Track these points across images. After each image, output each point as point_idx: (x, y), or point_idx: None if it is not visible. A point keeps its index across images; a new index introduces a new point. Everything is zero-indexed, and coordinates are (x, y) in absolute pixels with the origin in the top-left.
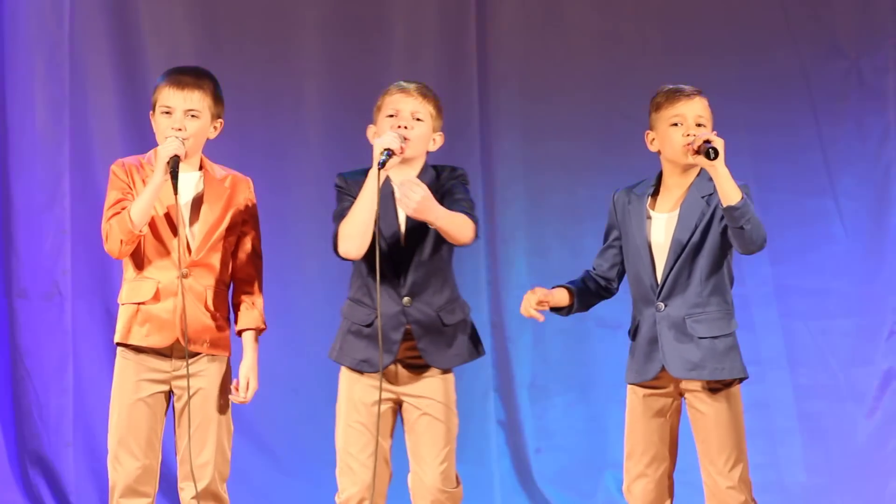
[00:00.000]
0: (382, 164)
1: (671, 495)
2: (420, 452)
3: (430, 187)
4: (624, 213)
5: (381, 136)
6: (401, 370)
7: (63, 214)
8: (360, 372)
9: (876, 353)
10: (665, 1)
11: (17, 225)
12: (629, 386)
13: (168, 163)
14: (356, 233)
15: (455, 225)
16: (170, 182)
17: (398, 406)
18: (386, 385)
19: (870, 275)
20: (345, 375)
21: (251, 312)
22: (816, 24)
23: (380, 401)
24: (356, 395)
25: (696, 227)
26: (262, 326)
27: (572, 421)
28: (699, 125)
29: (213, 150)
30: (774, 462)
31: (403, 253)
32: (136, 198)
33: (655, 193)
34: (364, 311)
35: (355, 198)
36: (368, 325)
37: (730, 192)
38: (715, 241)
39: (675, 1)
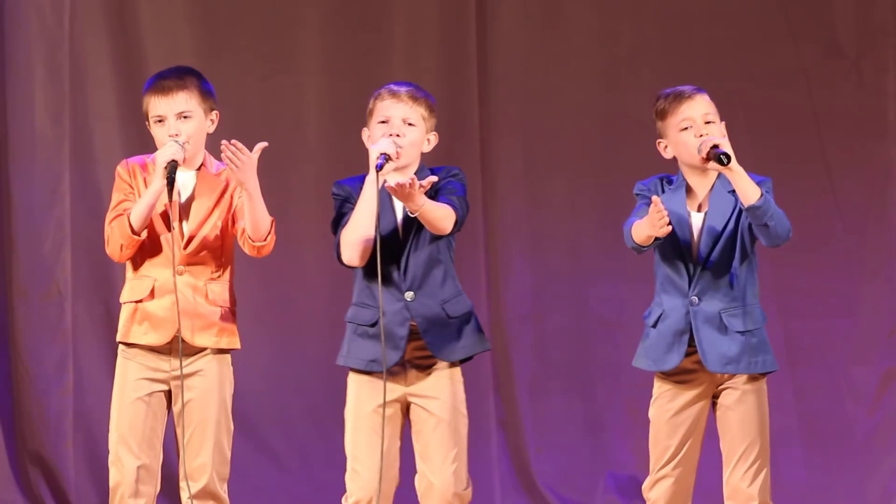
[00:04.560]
0: (380, 168)
1: (690, 496)
2: (429, 454)
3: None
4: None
5: (375, 142)
6: (410, 370)
7: (63, 214)
8: (369, 373)
9: (876, 353)
10: (665, 0)
11: (17, 225)
12: (658, 383)
13: (165, 168)
14: (358, 240)
15: (435, 215)
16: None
17: (406, 408)
18: (394, 386)
19: (870, 275)
20: (352, 380)
21: None
22: (816, 24)
23: (384, 401)
24: (363, 398)
25: (728, 223)
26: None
27: (572, 421)
28: (708, 122)
29: (212, 150)
30: (774, 462)
31: (402, 250)
32: (137, 202)
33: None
34: (368, 311)
35: (353, 204)
36: (373, 325)
37: (749, 192)
38: (745, 236)
39: (675, 0)
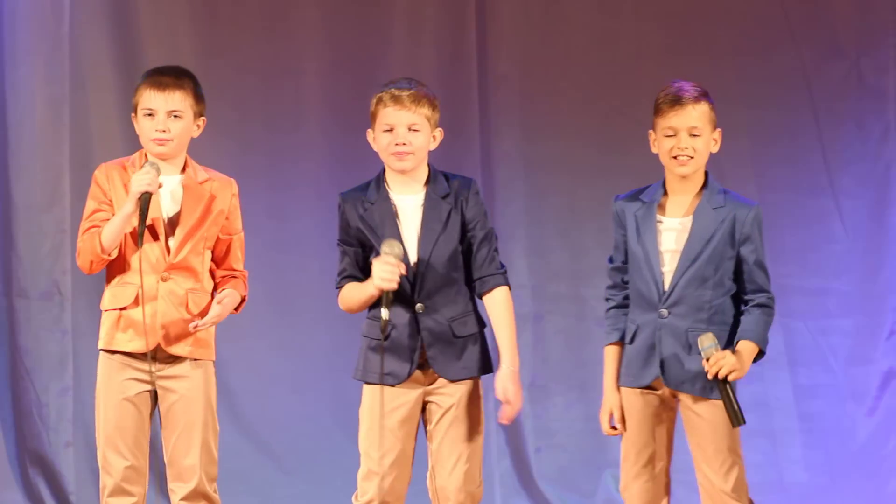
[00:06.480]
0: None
1: (668, 493)
2: (442, 453)
3: (443, 197)
4: (632, 220)
5: (381, 151)
6: (429, 370)
7: (63, 214)
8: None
9: (876, 353)
10: (665, 1)
11: (17, 225)
12: (623, 388)
13: (139, 199)
14: (355, 308)
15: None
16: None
17: (423, 407)
18: (413, 385)
19: (870, 275)
20: (367, 388)
21: (233, 283)
22: (816, 24)
23: (382, 413)
24: (378, 402)
25: (710, 240)
26: (242, 294)
27: (572, 421)
28: (694, 135)
29: (213, 150)
30: (774, 462)
31: (416, 263)
32: (108, 222)
33: (663, 195)
34: (378, 325)
35: (353, 228)
36: (385, 339)
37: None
38: (726, 264)
39: (675, 1)
